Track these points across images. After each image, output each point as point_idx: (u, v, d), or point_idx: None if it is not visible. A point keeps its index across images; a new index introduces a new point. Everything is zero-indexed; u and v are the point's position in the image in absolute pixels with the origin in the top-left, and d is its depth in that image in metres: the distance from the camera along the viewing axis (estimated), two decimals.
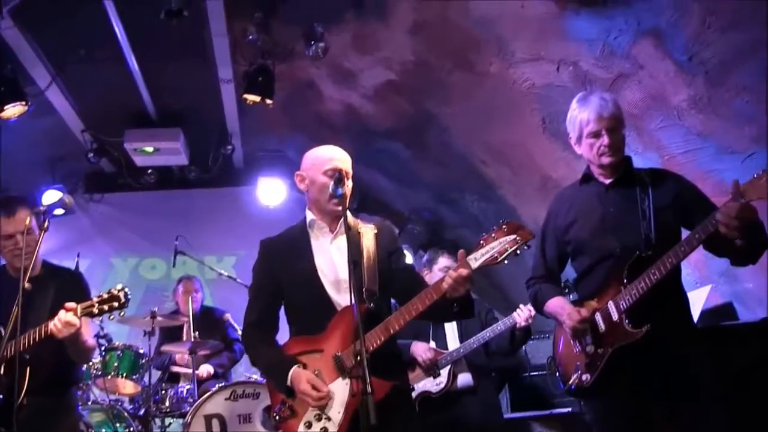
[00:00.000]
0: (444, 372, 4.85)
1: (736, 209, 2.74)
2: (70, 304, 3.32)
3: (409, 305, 2.95)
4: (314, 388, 2.93)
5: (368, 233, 3.20)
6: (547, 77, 4.96)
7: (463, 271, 2.83)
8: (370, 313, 2.95)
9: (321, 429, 2.94)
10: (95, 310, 3.34)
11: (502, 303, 7.13)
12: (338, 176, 3.06)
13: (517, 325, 4.77)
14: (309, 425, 2.96)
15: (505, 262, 2.84)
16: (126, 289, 3.39)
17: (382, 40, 5.56)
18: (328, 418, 2.94)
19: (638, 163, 3.36)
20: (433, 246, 8.07)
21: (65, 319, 3.29)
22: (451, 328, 5.06)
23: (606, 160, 3.18)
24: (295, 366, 3.01)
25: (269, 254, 3.26)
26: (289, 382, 2.99)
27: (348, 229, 2.98)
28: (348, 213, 3.13)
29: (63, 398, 3.72)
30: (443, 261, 5.12)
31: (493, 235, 2.85)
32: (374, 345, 2.92)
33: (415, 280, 3.23)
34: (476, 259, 2.85)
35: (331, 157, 3.20)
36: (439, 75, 5.65)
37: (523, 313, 4.75)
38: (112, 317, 3.41)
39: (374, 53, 5.76)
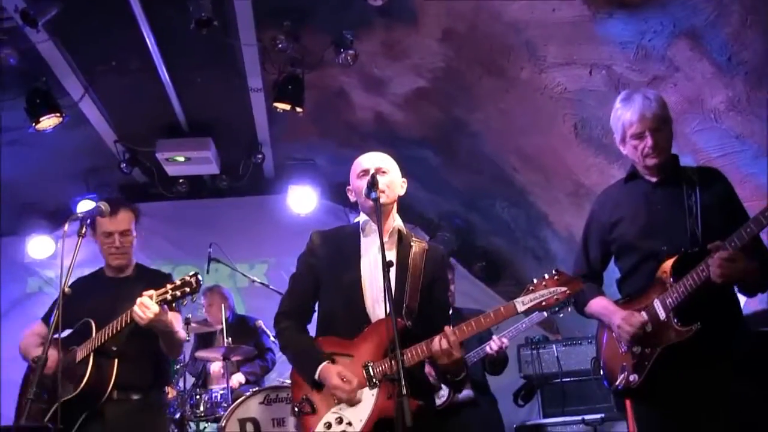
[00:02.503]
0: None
1: (720, 261, 2.78)
2: (149, 291, 3.47)
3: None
4: (345, 380, 2.91)
5: (418, 248, 3.19)
6: (579, 82, 4.88)
7: (444, 343, 2.85)
8: (406, 331, 2.92)
9: None
10: (169, 297, 3.48)
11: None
12: (371, 180, 3.03)
13: (489, 353, 4.91)
14: (329, 426, 2.95)
15: (551, 311, 2.85)
16: (198, 275, 3.51)
17: (411, 46, 5.54)
18: (350, 423, 2.92)
19: None
20: (464, 253, 8.06)
21: (144, 302, 3.43)
22: None
23: (651, 161, 3.12)
24: (327, 361, 2.99)
25: (316, 248, 3.26)
26: (317, 376, 2.97)
27: (400, 239, 3.02)
28: (399, 219, 3.20)
29: (152, 396, 3.86)
30: None
31: (543, 283, 2.87)
32: (411, 360, 2.90)
33: (444, 322, 3.11)
34: (524, 303, 2.87)
35: (362, 160, 3.23)
36: (469, 81, 5.61)
37: (494, 344, 4.89)
38: (185, 303, 3.56)
39: (403, 60, 5.74)
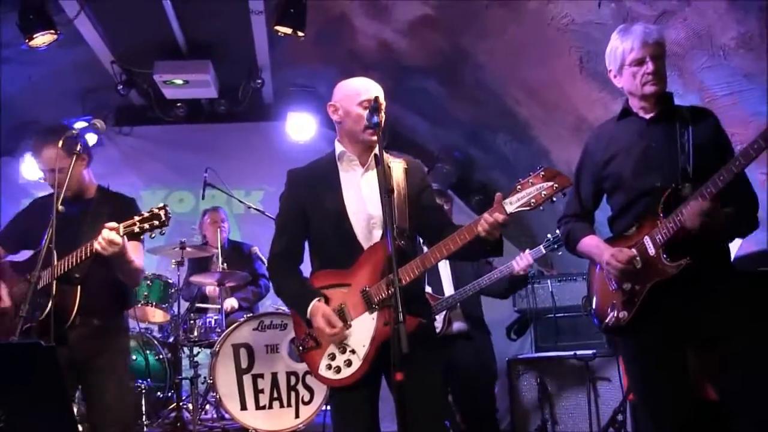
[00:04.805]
0: (439, 317, 4.90)
1: (695, 213, 2.81)
2: (112, 224, 3.35)
3: (442, 245, 2.93)
4: (329, 324, 2.94)
5: (398, 169, 3.16)
6: (587, 14, 4.76)
7: (499, 217, 2.81)
8: (400, 251, 2.91)
9: (345, 361, 2.97)
10: (136, 229, 3.36)
11: (522, 237, 7.10)
12: (374, 105, 3.00)
13: (514, 272, 4.88)
14: (333, 357, 3.00)
15: (541, 208, 2.79)
16: (167, 208, 3.40)
17: None
18: (353, 351, 2.96)
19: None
20: (461, 186, 8.03)
21: (108, 236, 3.33)
22: (446, 275, 5.12)
23: (650, 89, 3.07)
24: (316, 300, 3.01)
25: (297, 185, 3.23)
26: (308, 315, 3.00)
27: (379, 161, 2.91)
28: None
29: (114, 320, 3.82)
30: None
31: (530, 180, 2.80)
32: (408, 278, 2.91)
33: (444, 220, 3.24)
34: (512, 204, 2.81)
35: (368, 88, 3.15)
36: (476, 9, 5.47)
37: (522, 261, 4.86)
38: (153, 236, 3.43)
39: None
